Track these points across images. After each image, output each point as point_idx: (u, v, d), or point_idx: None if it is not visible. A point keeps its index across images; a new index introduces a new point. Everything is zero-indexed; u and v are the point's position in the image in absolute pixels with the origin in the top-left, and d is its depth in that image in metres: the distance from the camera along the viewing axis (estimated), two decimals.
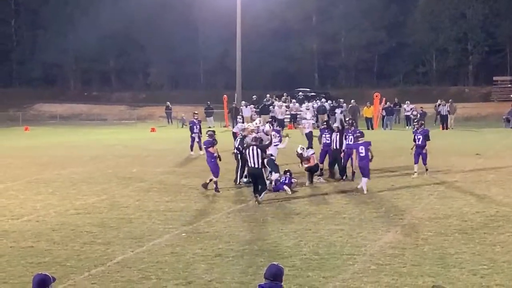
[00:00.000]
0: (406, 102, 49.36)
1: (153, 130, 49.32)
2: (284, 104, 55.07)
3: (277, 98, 57.49)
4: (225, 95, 55.31)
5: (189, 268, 12.48)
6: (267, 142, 20.27)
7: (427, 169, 22.96)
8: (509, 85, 60.92)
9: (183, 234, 15.08)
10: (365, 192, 19.84)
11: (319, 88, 70.15)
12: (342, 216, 16.88)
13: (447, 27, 71.43)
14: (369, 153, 20.08)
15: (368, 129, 45.59)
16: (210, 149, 20.78)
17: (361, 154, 20.10)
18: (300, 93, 61.28)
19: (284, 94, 58.72)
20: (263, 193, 18.84)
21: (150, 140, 40.57)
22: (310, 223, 16.07)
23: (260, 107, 51.55)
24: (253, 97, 56.68)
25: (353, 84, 75.45)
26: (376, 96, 48.10)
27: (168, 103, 58.76)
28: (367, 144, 20.30)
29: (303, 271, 12.14)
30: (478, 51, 71.32)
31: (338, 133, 22.66)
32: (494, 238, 14.24)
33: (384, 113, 48.37)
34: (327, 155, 23.11)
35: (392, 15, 74.22)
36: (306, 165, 21.84)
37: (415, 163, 22.92)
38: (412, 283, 11.31)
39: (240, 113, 40.78)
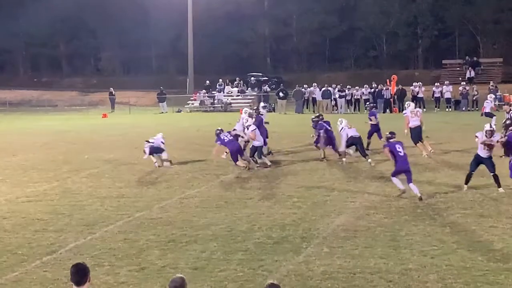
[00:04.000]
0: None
1: (104, 116, 48.90)
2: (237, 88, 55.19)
3: (229, 83, 57.49)
4: None
5: (142, 254, 12.45)
6: None
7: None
8: (458, 69, 61.80)
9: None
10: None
11: (272, 72, 70.31)
12: (295, 199, 17.00)
13: (397, 11, 72.16)
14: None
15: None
16: None
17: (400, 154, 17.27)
18: (252, 78, 61.34)
19: (237, 78, 58.72)
20: None
21: (102, 126, 40.23)
22: (264, 207, 16.15)
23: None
24: (206, 82, 56.56)
25: (305, 68, 75.76)
26: (394, 78, 48.02)
27: (112, 89, 57.52)
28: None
29: (256, 255, 12.21)
30: (428, 34, 72.24)
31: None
32: (444, 220, 14.50)
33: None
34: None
35: None
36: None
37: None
38: (364, 265, 11.46)
39: None
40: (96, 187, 19.42)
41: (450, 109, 47.77)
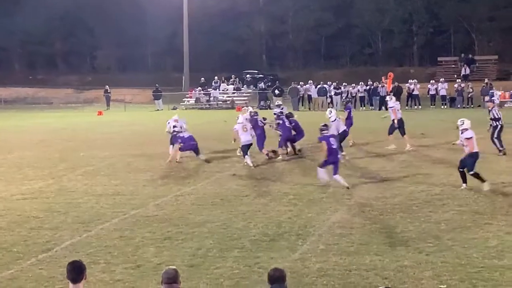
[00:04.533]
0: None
1: (100, 113, 48.87)
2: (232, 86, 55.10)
3: (225, 80, 57.47)
4: None
5: (138, 251, 12.44)
6: None
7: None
8: (453, 66, 61.89)
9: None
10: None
11: (268, 70, 70.28)
12: (290, 197, 17.01)
13: (393, 8, 72.19)
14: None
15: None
16: None
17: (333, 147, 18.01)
18: (248, 75, 61.28)
19: (232, 76, 58.68)
20: None
21: (98, 124, 40.21)
22: (259, 205, 16.15)
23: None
24: (201, 79, 56.53)
25: (301, 65, 75.74)
26: (390, 76, 48.07)
27: (107, 86, 57.47)
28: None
29: (252, 252, 12.21)
30: (423, 32, 72.30)
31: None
32: (439, 216, 14.51)
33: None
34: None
35: None
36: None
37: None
38: (359, 262, 11.47)
39: None
40: (92, 184, 19.39)
41: (445, 106, 47.89)
